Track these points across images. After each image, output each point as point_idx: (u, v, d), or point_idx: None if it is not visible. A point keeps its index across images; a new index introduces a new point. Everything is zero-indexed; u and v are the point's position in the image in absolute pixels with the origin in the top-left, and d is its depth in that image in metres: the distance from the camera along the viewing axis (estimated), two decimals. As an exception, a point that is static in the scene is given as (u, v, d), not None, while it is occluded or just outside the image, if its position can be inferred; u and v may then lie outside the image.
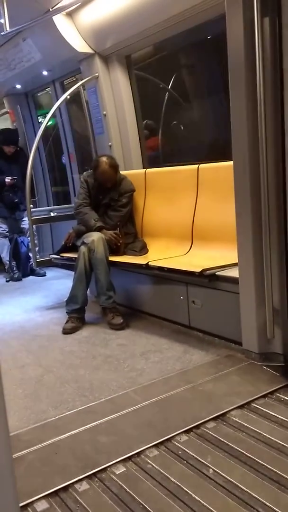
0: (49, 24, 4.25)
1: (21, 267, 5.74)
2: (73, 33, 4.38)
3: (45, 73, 5.28)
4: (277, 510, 1.56)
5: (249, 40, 2.37)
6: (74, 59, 4.63)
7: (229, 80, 2.53)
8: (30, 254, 5.60)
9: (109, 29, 4.12)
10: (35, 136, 5.26)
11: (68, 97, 4.87)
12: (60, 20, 4.28)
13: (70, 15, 4.32)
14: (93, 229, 3.78)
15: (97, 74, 4.53)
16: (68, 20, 4.34)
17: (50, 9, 4.07)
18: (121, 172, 4.13)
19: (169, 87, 4.80)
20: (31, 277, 5.74)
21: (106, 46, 4.33)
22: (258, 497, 1.62)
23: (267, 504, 1.59)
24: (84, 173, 4.14)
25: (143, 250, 3.93)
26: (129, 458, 1.92)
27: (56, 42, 4.44)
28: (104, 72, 4.54)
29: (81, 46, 4.43)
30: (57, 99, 5.15)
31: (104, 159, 3.86)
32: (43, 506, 1.70)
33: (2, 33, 4.07)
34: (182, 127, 4.96)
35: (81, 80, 4.69)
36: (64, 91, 5.34)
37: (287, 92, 2.31)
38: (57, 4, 4.01)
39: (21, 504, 1.68)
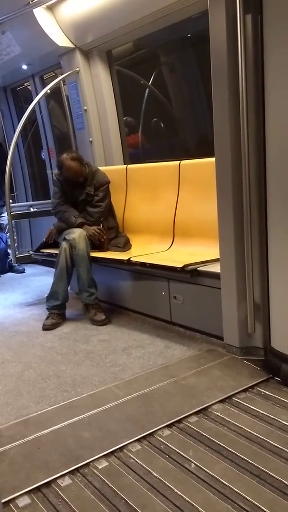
0: (29, 17, 4.20)
1: (0, 263, 5.67)
2: (54, 27, 4.34)
3: (24, 67, 5.21)
4: (258, 504, 1.58)
5: (232, 37, 2.38)
6: (54, 54, 4.58)
7: (212, 77, 2.54)
8: (9, 251, 5.54)
9: (90, 23, 4.09)
10: (14, 131, 5.20)
11: (48, 91, 4.83)
12: (40, 14, 4.23)
13: (50, 8, 4.27)
14: (75, 225, 3.75)
15: (77, 69, 4.49)
16: (49, 13, 4.29)
17: (31, 2, 4.02)
18: (100, 167, 4.11)
19: (150, 84, 4.80)
20: (9, 274, 5.66)
21: (87, 41, 4.30)
22: (239, 491, 1.64)
23: (248, 498, 1.61)
24: (55, 171, 4.09)
25: (127, 245, 3.92)
26: (112, 453, 1.92)
27: (36, 36, 4.39)
28: (85, 67, 4.50)
29: (61, 40, 4.39)
30: (37, 94, 5.10)
31: (65, 155, 3.78)
32: (25, 501, 1.68)
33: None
34: (162, 125, 4.96)
35: (61, 75, 4.65)
36: (43, 85, 5.28)
37: (269, 89, 2.34)
38: (37, -3, 3.97)
39: (3, 500, 1.66)
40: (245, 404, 2.24)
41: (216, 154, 2.62)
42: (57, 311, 3.66)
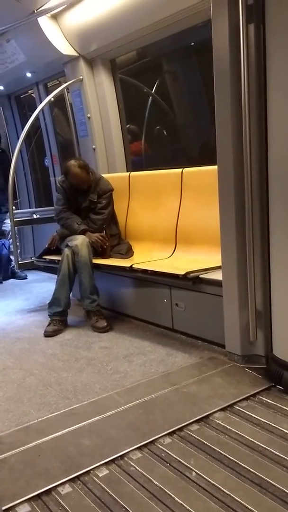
0: (34, 26, 4.23)
1: (2, 269, 5.67)
2: (58, 35, 4.37)
3: (28, 75, 5.25)
4: (259, 513, 1.57)
5: (234, 46, 2.40)
6: (58, 62, 4.62)
7: (214, 85, 2.55)
8: (12, 257, 5.55)
9: (94, 32, 4.12)
10: (18, 138, 5.23)
11: (52, 99, 4.86)
12: (45, 22, 4.27)
13: (55, 17, 4.31)
14: (77, 232, 3.76)
15: (81, 77, 4.53)
16: (53, 22, 4.33)
17: (35, 11, 4.06)
18: (103, 175, 4.12)
19: (153, 92, 4.83)
20: (11, 280, 5.68)
21: (91, 49, 4.33)
22: (240, 500, 1.63)
23: (249, 507, 1.59)
24: (59, 178, 4.09)
25: (129, 252, 3.92)
26: (112, 460, 1.91)
27: (40, 44, 4.42)
28: (88, 75, 4.54)
29: (65, 48, 4.42)
30: (41, 102, 5.13)
31: (72, 162, 3.78)
32: (25, 509, 1.68)
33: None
34: (165, 132, 4.98)
35: (65, 83, 4.68)
36: (47, 93, 5.32)
37: (271, 97, 2.35)
38: (42, 6, 4.00)
39: (3, 508, 1.66)
40: (247, 412, 2.23)
41: (218, 162, 2.63)
42: (58, 318, 3.66)
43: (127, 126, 4.78)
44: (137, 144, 5.06)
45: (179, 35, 3.94)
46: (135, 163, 4.85)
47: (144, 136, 4.98)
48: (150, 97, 4.87)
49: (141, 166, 4.95)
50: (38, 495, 1.73)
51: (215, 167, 2.66)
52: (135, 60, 4.74)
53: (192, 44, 4.39)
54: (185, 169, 3.73)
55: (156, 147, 5.13)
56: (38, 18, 4.16)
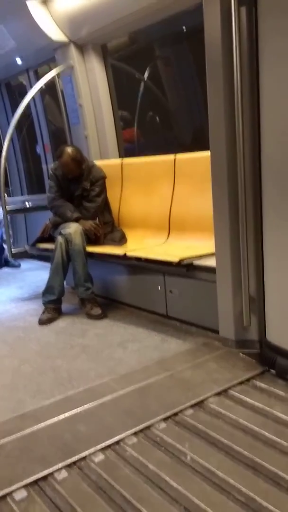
0: (23, 11, 4.16)
1: (-5, 259, 5.66)
2: (48, 20, 4.30)
3: (18, 61, 5.17)
4: (253, 495, 1.59)
5: (226, 30, 2.37)
6: (48, 48, 4.55)
7: (206, 70, 2.53)
8: (4, 246, 5.52)
9: (85, 17, 4.06)
10: (8, 125, 5.17)
11: (43, 86, 4.80)
12: (34, 7, 4.20)
13: (45, 2, 4.24)
14: (71, 220, 3.74)
15: (72, 63, 4.47)
16: (43, 7, 4.26)
17: (24, -5, 4.00)
18: (96, 162, 4.09)
19: (145, 78, 4.79)
20: (5, 269, 5.66)
21: (82, 35, 4.27)
22: (235, 483, 1.65)
23: (243, 490, 1.62)
24: (52, 165, 4.04)
25: (123, 239, 3.91)
26: (108, 446, 1.93)
27: (30, 30, 4.35)
28: (79, 61, 4.48)
29: (56, 34, 4.35)
30: (31, 88, 5.07)
31: (69, 150, 3.72)
32: (22, 495, 1.69)
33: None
34: (158, 119, 4.95)
35: (55, 69, 4.62)
36: (38, 80, 5.25)
37: (264, 81, 2.33)
38: (31, -10, 3.94)
39: (0, 494, 1.67)
40: (241, 396, 2.25)
41: (211, 148, 2.62)
42: (53, 306, 3.66)
43: (119, 113, 4.74)
44: (129, 131, 5.02)
45: (171, 20, 3.89)
46: (127, 150, 4.82)
47: (136, 123, 4.95)
48: (142, 83, 4.83)
49: (134, 153, 4.92)
50: (35, 481, 1.75)
51: (208, 153, 2.65)
52: (126, 46, 4.69)
53: (184, 28, 4.34)
54: (178, 156, 3.71)
55: (149, 133, 5.10)
56: (27, 3, 4.09)
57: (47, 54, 4.75)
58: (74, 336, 3.27)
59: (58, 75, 4.67)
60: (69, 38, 4.39)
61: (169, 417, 2.10)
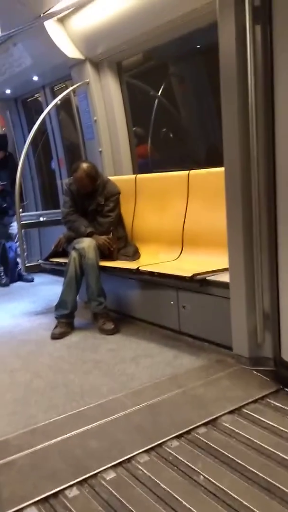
0: (40, 30, 4.25)
1: (9, 272, 5.69)
2: (64, 39, 4.39)
3: (35, 78, 5.27)
4: (267, 517, 1.56)
5: (241, 47, 2.39)
6: (64, 65, 4.64)
7: (221, 87, 2.55)
8: (18, 260, 5.56)
9: (100, 35, 4.13)
10: (24, 141, 5.24)
11: (59, 102, 4.87)
12: (51, 26, 4.29)
13: (61, 21, 4.33)
14: (84, 235, 3.76)
15: (87, 80, 4.54)
16: (60, 25, 4.35)
17: (42, 15, 4.07)
18: (110, 177, 4.12)
19: (159, 94, 4.83)
20: (18, 283, 5.70)
21: (97, 52, 4.34)
22: (248, 505, 1.62)
23: (257, 511, 1.58)
24: (67, 180, 4.09)
25: (136, 254, 3.92)
26: (120, 463, 1.90)
27: (47, 48, 4.44)
28: (95, 78, 4.55)
29: (72, 52, 4.43)
30: (47, 105, 5.15)
31: (84, 166, 3.77)
32: (33, 512, 1.67)
33: (-7, 38, 4.06)
34: (171, 135, 4.98)
35: (71, 86, 4.70)
36: (54, 97, 5.34)
37: (278, 99, 2.34)
38: (48, 9, 4.01)
39: (10, 511, 1.65)
40: (255, 415, 2.21)
41: (225, 164, 2.62)
42: (65, 320, 3.67)
43: (133, 128, 4.78)
44: (143, 147, 5.06)
45: (185, 37, 3.95)
46: (141, 166, 4.85)
47: (150, 139, 4.98)
48: (156, 100, 4.88)
49: (148, 169, 4.95)
50: (45, 498, 1.73)
51: (222, 169, 2.65)
52: (141, 63, 4.75)
53: (199, 46, 4.39)
54: (192, 171, 3.73)
55: (163, 149, 5.13)
56: (44, 22, 4.18)
57: (63, 71, 4.84)
58: (87, 350, 3.26)
59: (73, 91, 4.74)
60: (85, 55, 4.46)
61: (181, 435, 2.07)
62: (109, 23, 3.94)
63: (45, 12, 4.02)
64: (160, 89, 4.84)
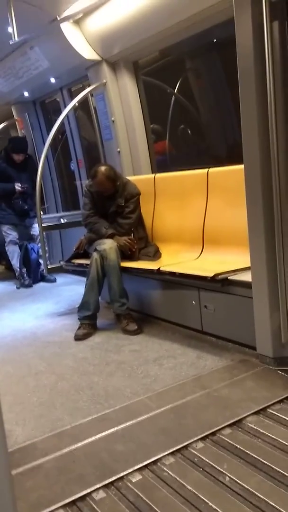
0: (57, 32, 4.28)
1: (32, 273, 5.76)
2: (81, 40, 4.41)
3: (52, 80, 5.31)
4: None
5: (259, 43, 2.37)
6: (81, 66, 4.66)
7: (239, 83, 2.52)
8: (41, 261, 5.63)
9: (116, 35, 4.13)
10: (43, 143, 5.29)
11: (77, 104, 4.90)
12: (67, 28, 4.31)
13: (77, 22, 4.34)
14: (105, 236, 3.78)
15: (104, 80, 4.55)
16: (76, 27, 4.37)
17: (58, 18, 4.10)
18: (128, 177, 4.12)
19: (176, 90, 4.81)
20: (41, 284, 5.76)
21: (114, 53, 4.35)
22: (274, 505, 1.61)
23: (283, 512, 1.58)
24: (87, 182, 4.11)
25: (157, 254, 3.92)
26: (146, 466, 1.91)
27: (63, 50, 4.47)
28: (111, 78, 4.55)
29: (88, 53, 4.45)
30: (65, 106, 5.18)
31: (102, 169, 3.77)
32: (61, 515, 1.70)
33: (10, 42, 4.09)
34: (189, 131, 4.95)
35: (88, 87, 4.71)
36: (71, 98, 5.37)
37: (298, 95, 2.31)
38: (64, 12, 4.04)
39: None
40: (280, 415, 2.19)
41: (244, 161, 2.60)
42: (88, 321, 3.69)
43: (151, 125, 4.77)
44: (161, 143, 5.05)
45: (202, 32, 3.90)
46: (159, 163, 4.85)
47: (168, 135, 4.97)
48: (173, 96, 4.86)
49: (166, 165, 4.94)
50: (73, 501, 1.75)
51: (241, 166, 2.63)
52: (157, 60, 4.73)
53: (215, 40, 4.35)
54: (211, 169, 3.70)
55: (180, 146, 5.11)
56: (60, 24, 4.20)
57: (80, 73, 4.86)
58: (110, 352, 3.27)
59: (91, 92, 4.76)
60: (102, 56, 4.47)
61: (206, 436, 2.07)
62: (124, 23, 3.94)
63: (61, 14, 4.05)
64: (176, 85, 4.82)
